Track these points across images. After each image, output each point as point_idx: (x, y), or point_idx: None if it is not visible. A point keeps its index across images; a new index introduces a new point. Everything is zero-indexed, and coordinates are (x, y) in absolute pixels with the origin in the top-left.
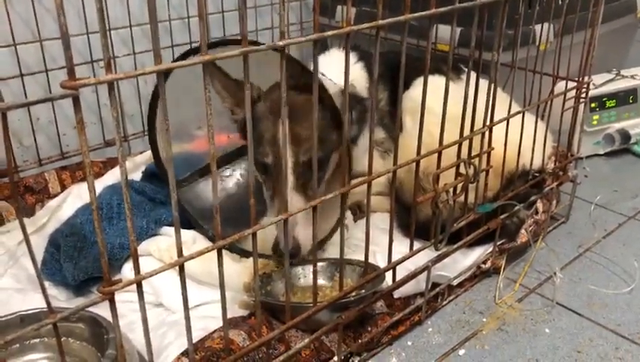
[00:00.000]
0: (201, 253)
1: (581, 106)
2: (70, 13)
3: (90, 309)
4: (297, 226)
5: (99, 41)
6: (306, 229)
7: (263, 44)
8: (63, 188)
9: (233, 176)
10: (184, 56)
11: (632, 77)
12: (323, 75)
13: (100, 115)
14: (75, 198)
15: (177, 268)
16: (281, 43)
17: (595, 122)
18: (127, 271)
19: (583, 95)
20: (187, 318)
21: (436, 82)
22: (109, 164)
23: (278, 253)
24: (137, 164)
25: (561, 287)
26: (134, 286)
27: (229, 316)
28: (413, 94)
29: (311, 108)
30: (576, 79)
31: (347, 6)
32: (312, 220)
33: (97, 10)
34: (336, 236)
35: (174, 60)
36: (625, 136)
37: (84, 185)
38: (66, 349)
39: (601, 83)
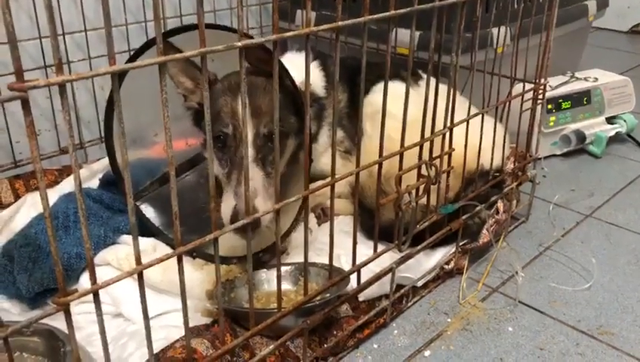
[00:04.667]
0: (160, 261)
1: (538, 108)
2: (22, 18)
3: (48, 322)
4: (257, 197)
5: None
6: (266, 201)
7: (224, 27)
8: (17, 197)
9: (194, 182)
10: (141, 50)
11: (586, 79)
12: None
13: (54, 122)
14: (29, 208)
15: (136, 276)
16: (239, 43)
17: (551, 123)
18: (85, 281)
19: (540, 97)
20: (147, 328)
21: (395, 87)
22: (65, 172)
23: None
24: (94, 172)
25: (523, 286)
26: (91, 296)
27: (191, 324)
28: (372, 99)
29: (271, 87)
30: (533, 81)
31: (306, 8)
32: (275, 221)
33: (46, 7)
34: (301, 239)
35: (132, 55)
36: (580, 136)
37: (38, 194)
38: None
39: (557, 85)
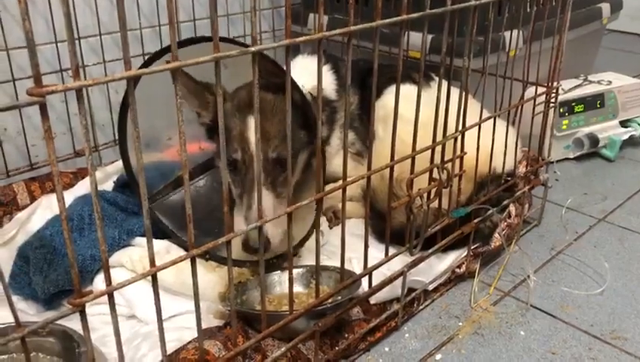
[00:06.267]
0: (174, 263)
1: (551, 111)
2: (38, 22)
3: (62, 322)
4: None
5: (67, 50)
6: (276, 226)
7: (236, 41)
8: (33, 199)
9: (208, 186)
10: (155, 56)
11: (599, 82)
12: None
13: (69, 125)
14: (44, 210)
15: (150, 278)
16: (253, 48)
17: (564, 127)
18: (99, 283)
19: (553, 100)
20: (161, 329)
21: (407, 90)
22: (80, 174)
23: (247, 249)
24: (109, 174)
25: (535, 290)
26: (106, 297)
27: (204, 326)
28: (384, 102)
29: (279, 106)
30: (546, 84)
31: (319, 13)
32: (287, 224)
33: (64, 15)
34: (312, 242)
35: (145, 61)
36: (593, 140)
37: (53, 196)
38: None
39: (570, 88)
